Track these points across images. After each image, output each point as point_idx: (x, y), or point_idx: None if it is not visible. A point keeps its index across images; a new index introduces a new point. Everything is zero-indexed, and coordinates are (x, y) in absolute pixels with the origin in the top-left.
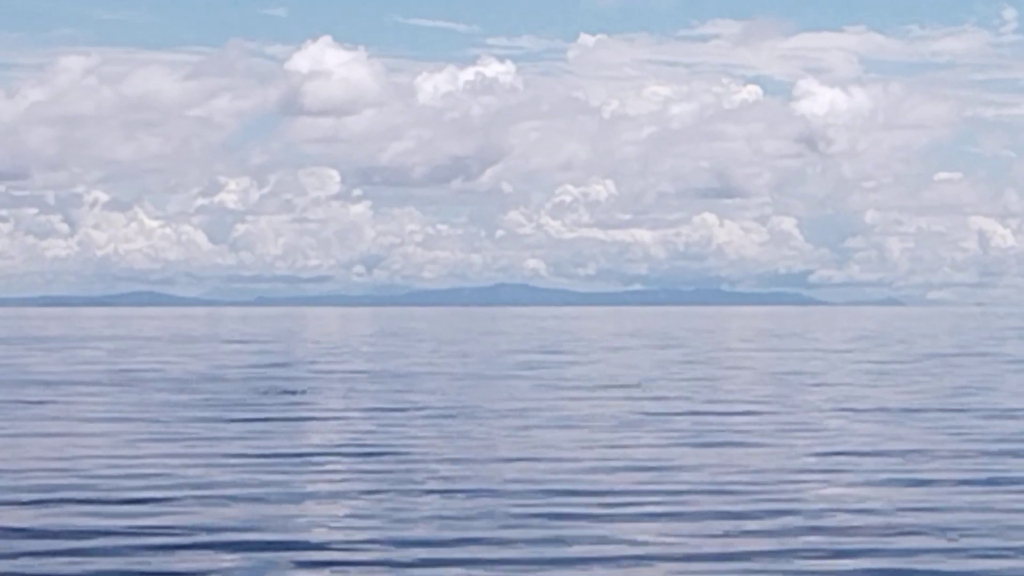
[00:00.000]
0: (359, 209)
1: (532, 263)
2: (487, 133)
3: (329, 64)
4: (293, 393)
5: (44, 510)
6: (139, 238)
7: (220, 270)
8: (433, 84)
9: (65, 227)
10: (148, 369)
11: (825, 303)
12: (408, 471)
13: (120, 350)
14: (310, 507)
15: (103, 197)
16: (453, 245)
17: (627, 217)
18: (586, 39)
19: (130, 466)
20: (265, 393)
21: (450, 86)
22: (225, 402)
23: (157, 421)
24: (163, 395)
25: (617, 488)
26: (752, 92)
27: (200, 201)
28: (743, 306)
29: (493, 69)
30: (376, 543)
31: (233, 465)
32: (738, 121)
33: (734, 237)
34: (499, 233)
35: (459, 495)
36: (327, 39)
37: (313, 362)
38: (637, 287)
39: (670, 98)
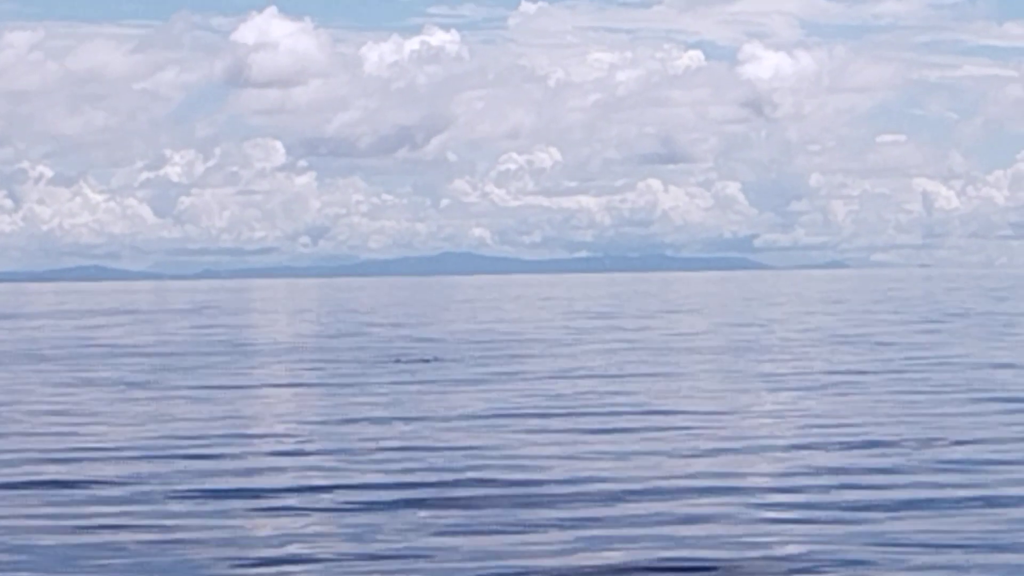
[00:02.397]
0: (304, 180)
1: (477, 232)
2: (432, 102)
3: (275, 35)
4: (427, 361)
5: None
6: (84, 212)
7: (165, 243)
8: (378, 54)
9: (9, 203)
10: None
11: (770, 267)
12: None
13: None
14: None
15: (48, 172)
16: (398, 215)
17: (572, 184)
18: (527, 7)
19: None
20: (397, 361)
21: (395, 56)
22: (394, 369)
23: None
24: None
25: None
26: (695, 58)
27: (145, 175)
28: (688, 272)
29: (438, 38)
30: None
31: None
32: (683, 87)
33: (679, 203)
34: (444, 202)
35: None
36: (272, 10)
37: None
38: (583, 254)
39: (615, 65)
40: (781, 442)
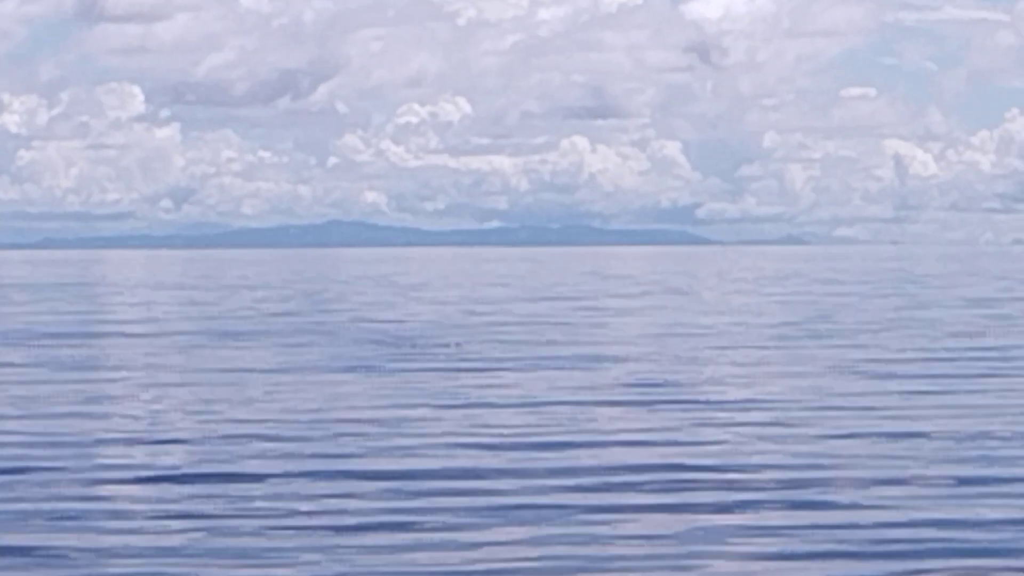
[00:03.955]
0: (167, 133)
1: (371, 196)
2: (321, 43)
3: None
4: (447, 346)
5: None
6: None
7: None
8: None
9: None
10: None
11: (715, 242)
12: None
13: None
14: None
15: None
16: (278, 175)
17: (484, 142)
18: None
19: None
20: (415, 347)
21: None
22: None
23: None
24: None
25: None
26: None
27: None
28: (618, 246)
29: None
30: None
31: None
32: (617, 28)
33: (609, 165)
34: (332, 161)
35: None
36: None
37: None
38: (495, 224)
39: (538, 1)
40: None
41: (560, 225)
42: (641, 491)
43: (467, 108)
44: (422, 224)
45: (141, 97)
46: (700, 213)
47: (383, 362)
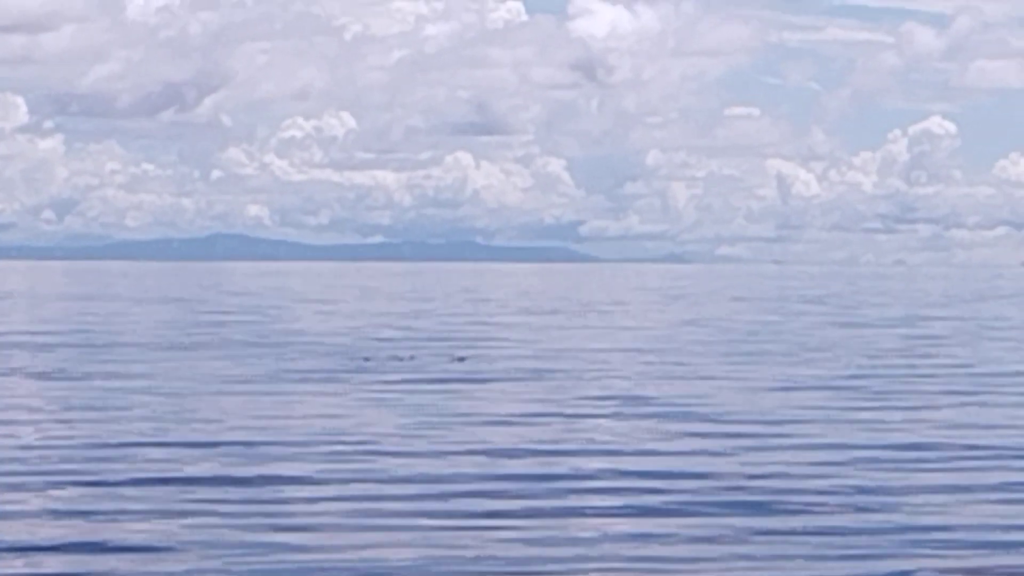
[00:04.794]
0: (50, 144)
1: (254, 210)
2: (206, 55)
3: None
4: (401, 359)
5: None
6: None
7: None
8: None
9: None
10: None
11: (598, 259)
12: None
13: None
14: None
15: None
16: (161, 188)
17: (368, 157)
18: None
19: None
20: (368, 360)
21: None
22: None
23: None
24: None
25: None
26: (514, 10)
27: None
28: (501, 262)
29: None
30: None
31: None
32: (504, 44)
33: (493, 181)
34: (216, 174)
35: None
36: None
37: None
38: (378, 239)
39: (423, 17)
40: None
41: (443, 241)
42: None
43: (352, 123)
44: (305, 238)
45: (24, 108)
46: (583, 230)
47: (354, 374)
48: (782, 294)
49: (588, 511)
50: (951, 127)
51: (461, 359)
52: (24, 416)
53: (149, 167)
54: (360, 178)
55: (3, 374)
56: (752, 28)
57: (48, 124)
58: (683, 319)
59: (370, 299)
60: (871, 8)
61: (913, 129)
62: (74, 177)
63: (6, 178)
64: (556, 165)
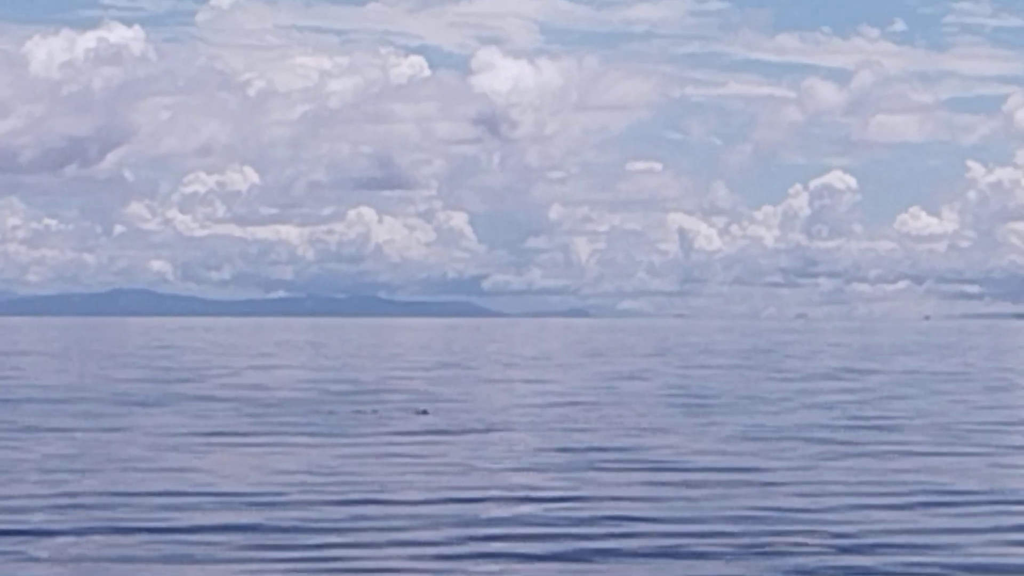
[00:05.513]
0: None
1: (157, 265)
2: (110, 111)
3: None
4: (364, 413)
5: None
6: None
7: None
8: (47, 51)
9: None
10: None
11: (500, 314)
12: None
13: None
14: None
15: None
16: (63, 243)
17: (271, 212)
18: (220, 0)
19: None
20: (332, 413)
21: (67, 54)
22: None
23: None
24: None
25: None
26: (416, 64)
27: None
28: (403, 317)
29: (119, 35)
30: None
31: None
32: (407, 99)
33: (396, 236)
34: (118, 229)
35: None
36: None
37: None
38: (280, 294)
39: (326, 72)
40: None
41: (347, 295)
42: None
43: (255, 178)
44: (207, 293)
45: None
46: (486, 285)
47: (344, 429)
48: (703, 348)
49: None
50: (852, 181)
51: (423, 412)
52: None
53: (51, 222)
54: (263, 233)
55: None
56: (654, 83)
57: None
58: (615, 373)
59: (296, 354)
60: (773, 63)
61: (814, 183)
62: None
63: None
64: (459, 219)
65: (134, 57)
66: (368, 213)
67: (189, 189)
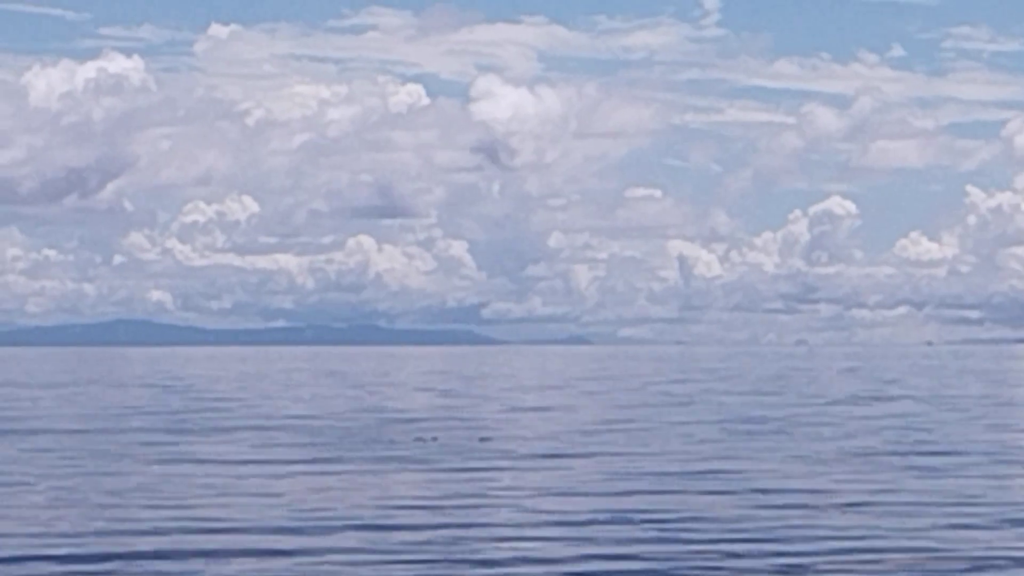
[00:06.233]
0: None
1: (156, 295)
2: (109, 141)
3: None
4: (425, 440)
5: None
6: None
7: None
8: (47, 82)
9: None
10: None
11: (500, 341)
12: None
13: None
14: None
15: None
16: (63, 273)
17: (271, 241)
18: (217, 29)
19: None
20: (393, 441)
21: (67, 85)
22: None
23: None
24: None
25: None
26: (414, 92)
27: None
28: (403, 345)
29: (118, 65)
30: None
31: None
32: (406, 128)
33: (395, 264)
34: (118, 259)
35: None
36: None
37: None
38: (281, 323)
39: (325, 101)
40: None
41: (346, 324)
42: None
43: (254, 207)
44: (207, 323)
45: None
46: (486, 313)
47: (404, 457)
48: (719, 374)
49: None
50: (852, 207)
51: (485, 439)
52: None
53: (51, 253)
54: (262, 262)
55: None
56: (654, 110)
57: None
58: (643, 399)
59: (320, 382)
60: (772, 89)
61: (814, 209)
62: None
63: None
64: (458, 248)
65: (134, 87)
66: (368, 242)
67: (189, 219)
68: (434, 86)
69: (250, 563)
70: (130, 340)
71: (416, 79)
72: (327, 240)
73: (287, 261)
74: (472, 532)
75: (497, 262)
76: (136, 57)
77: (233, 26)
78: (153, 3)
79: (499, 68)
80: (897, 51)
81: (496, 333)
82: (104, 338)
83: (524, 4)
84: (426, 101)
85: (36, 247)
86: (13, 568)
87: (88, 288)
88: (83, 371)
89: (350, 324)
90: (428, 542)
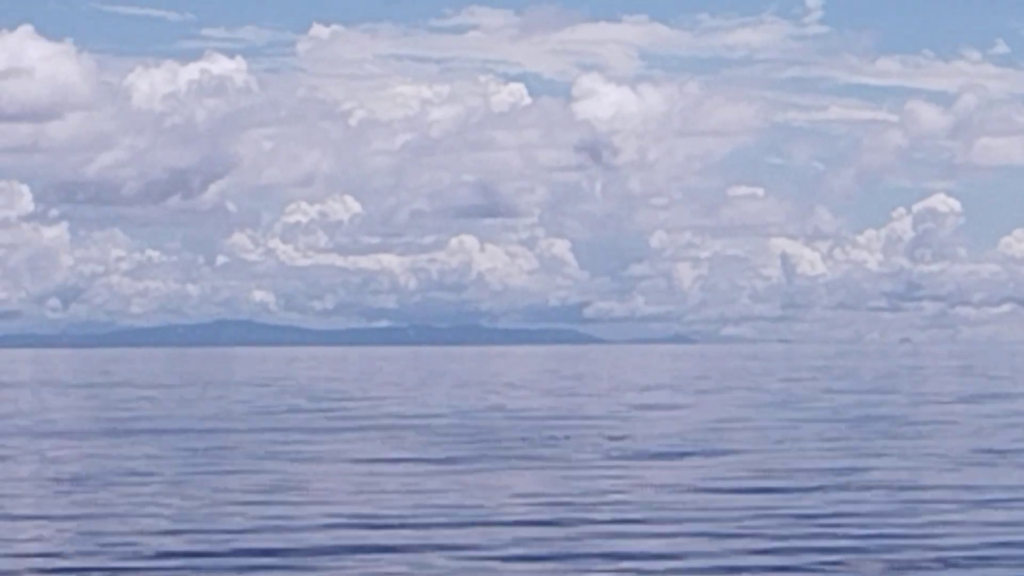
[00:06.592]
0: (55, 232)
1: (259, 295)
2: (212, 142)
3: (29, 59)
4: (558, 439)
5: None
6: None
7: None
8: (150, 83)
9: None
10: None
11: (603, 341)
12: None
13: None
14: None
15: None
16: (166, 274)
17: (373, 241)
18: (319, 30)
19: None
20: (524, 439)
21: (170, 86)
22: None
23: None
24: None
25: None
26: (516, 92)
27: None
28: (506, 345)
29: (221, 66)
30: None
31: None
32: (509, 127)
33: (498, 264)
34: (221, 260)
35: None
36: (27, 29)
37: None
38: (383, 323)
39: (427, 101)
40: None
41: (449, 324)
42: None
43: (356, 207)
44: (310, 323)
45: (30, 196)
46: (588, 312)
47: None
48: (833, 372)
49: None
50: (955, 204)
51: (618, 438)
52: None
53: (154, 254)
54: (365, 262)
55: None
56: (756, 108)
57: (54, 212)
58: (763, 398)
59: (436, 381)
60: (875, 87)
61: (917, 207)
62: (79, 265)
63: (11, 267)
64: (561, 247)
65: (236, 88)
66: (470, 241)
67: (291, 219)
68: (536, 85)
69: (408, 558)
70: (232, 341)
71: (518, 78)
72: (429, 240)
73: (389, 261)
74: (616, 528)
75: (599, 261)
76: (239, 58)
77: (335, 26)
78: (255, 4)
79: (601, 67)
80: (1001, 47)
81: (598, 332)
82: (207, 339)
83: (625, 3)
84: (528, 100)
85: (139, 248)
86: (197, 562)
87: (191, 289)
88: (195, 372)
89: (452, 324)
90: (577, 537)
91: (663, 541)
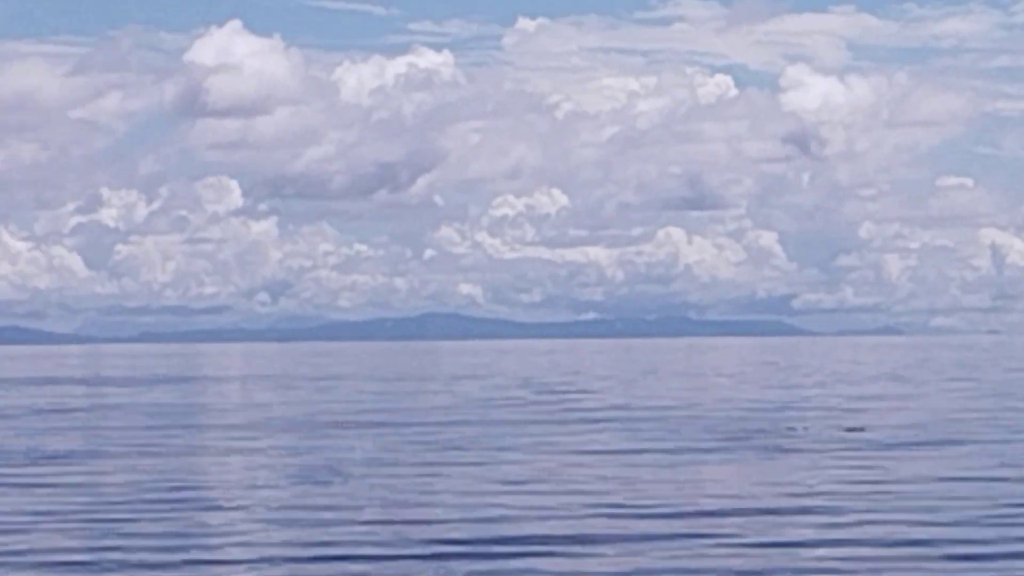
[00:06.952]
0: (264, 227)
1: (467, 288)
2: (419, 136)
3: (237, 55)
4: (794, 430)
5: None
6: (3, 263)
7: (98, 300)
8: (357, 78)
9: None
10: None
11: (811, 332)
12: None
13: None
14: None
15: None
16: (374, 268)
17: (580, 234)
18: (525, 23)
19: None
20: (762, 431)
21: (378, 80)
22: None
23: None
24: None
25: None
26: (723, 83)
27: (76, 219)
28: (714, 336)
29: (428, 60)
30: None
31: None
32: (716, 119)
33: (705, 256)
34: (428, 253)
35: None
36: (235, 24)
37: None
38: (591, 316)
39: (634, 93)
40: None
41: (656, 316)
42: None
43: (563, 200)
44: (518, 316)
45: (239, 191)
46: (796, 304)
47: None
48: None
49: None
50: None
51: (854, 429)
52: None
53: (362, 248)
54: (572, 255)
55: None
56: (966, 98)
57: (262, 207)
58: (998, 389)
59: (663, 373)
60: None
61: None
62: (288, 259)
63: (221, 261)
64: (768, 239)
65: (443, 82)
66: (677, 233)
67: (498, 212)
68: (743, 77)
69: (693, 544)
70: (440, 334)
71: (725, 70)
72: (636, 232)
73: (596, 254)
74: (883, 516)
75: (807, 253)
76: (445, 52)
77: (540, 19)
78: None
79: (808, 58)
80: None
81: (806, 324)
82: (414, 332)
83: None
84: (735, 92)
85: (347, 242)
86: (462, 548)
87: (399, 282)
88: (409, 365)
89: (660, 316)
90: (838, 525)
91: (919, 529)
